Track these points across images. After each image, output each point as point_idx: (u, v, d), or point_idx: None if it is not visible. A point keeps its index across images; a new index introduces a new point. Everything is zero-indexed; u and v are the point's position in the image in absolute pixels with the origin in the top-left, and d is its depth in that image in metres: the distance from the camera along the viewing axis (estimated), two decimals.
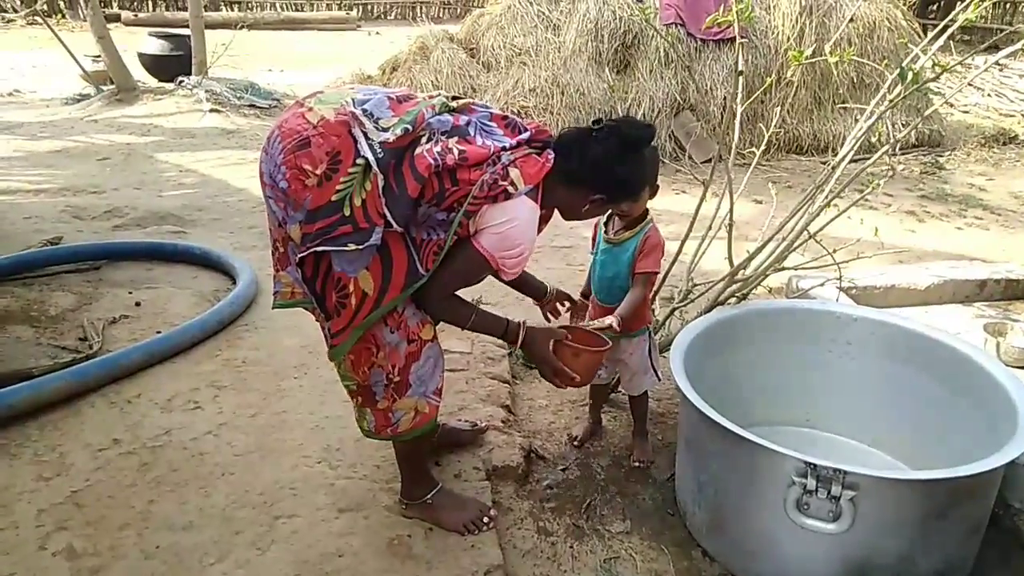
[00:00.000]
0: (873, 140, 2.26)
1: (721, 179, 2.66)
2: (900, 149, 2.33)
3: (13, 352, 2.72)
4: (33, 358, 2.68)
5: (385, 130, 1.62)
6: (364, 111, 1.63)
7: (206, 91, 7.82)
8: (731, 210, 2.52)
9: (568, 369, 1.90)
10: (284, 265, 1.80)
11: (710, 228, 2.67)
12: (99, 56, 8.04)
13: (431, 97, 1.73)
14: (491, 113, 1.77)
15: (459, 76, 6.50)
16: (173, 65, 8.44)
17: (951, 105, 7.86)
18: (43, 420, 2.35)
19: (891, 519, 1.73)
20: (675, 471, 2.30)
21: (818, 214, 2.39)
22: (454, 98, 1.76)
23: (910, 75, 1.89)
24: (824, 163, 6.29)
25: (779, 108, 3.45)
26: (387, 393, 1.83)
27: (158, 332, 2.90)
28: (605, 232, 2.24)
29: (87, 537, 1.90)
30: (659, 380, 2.39)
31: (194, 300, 3.28)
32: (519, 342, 1.89)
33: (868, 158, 2.56)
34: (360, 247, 1.62)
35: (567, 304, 2.31)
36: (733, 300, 2.59)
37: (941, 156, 6.70)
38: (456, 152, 1.63)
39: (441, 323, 1.92)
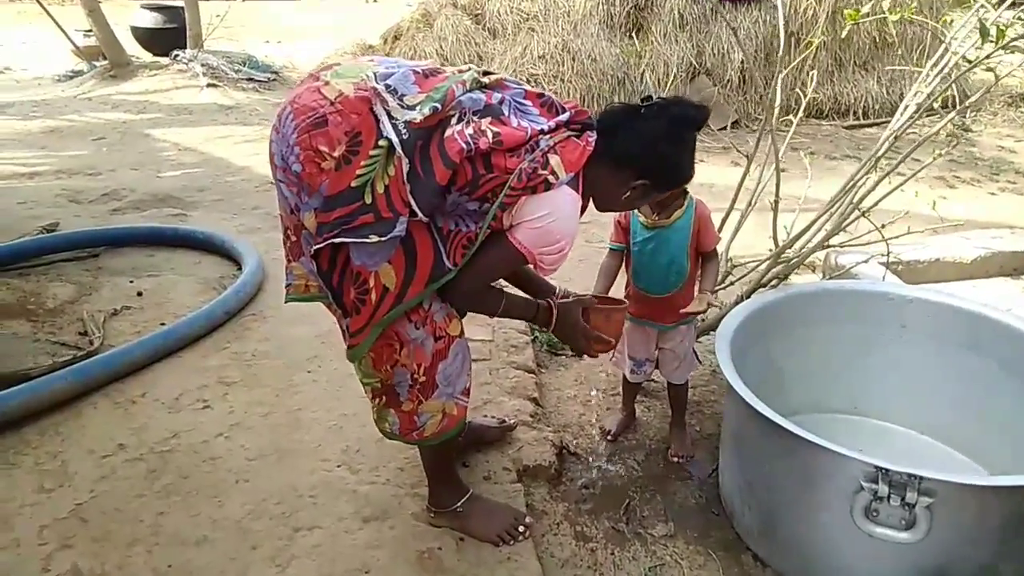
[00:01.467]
0: (936, 105, 2.05)
1: (744, 147, 2.47)
2: (925, 112, 2.13)
3: (9, 350, 2.57)
4: (31, 356, 2.52)
5: (411, 108, 1.43)
6: (387, 86, 1.44)
7: (202, 65, 7.59)
8: (777, 185, 2.34)
9: (603, 335, 1.84)
10: (297, 255, 1.64)
11: (750, 204, 2.48)
12: (90, 30, 7.78)
13: (460, 71, 1.54)
14: (525, 90, 1.57)
15: (464, 44, 6.27)
16: (168, 38, 8.19)
17: (968, 62, 7.60)
18: (43, 424, 2.21)
19: (973, 527, 1.58)
20: (718, 466, 2.16)
21: (874, 187, 2.20)
22: (485, 73, 1.56)
23: (993, 31, 1.68)
24: (846, 128, 6.09)
25: (813, 71, 3.22)
26: (412, 394, 1.68)
27: (162, 324, 2.74)
28: (643, 219, 2.06)
29: (93, 555, 1.76)
30: (700, 364, 2.33)
31: (199, 288, 3.12)
32: (553, 320, 1.78)
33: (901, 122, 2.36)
34: (383, 239, 1.45)
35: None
36: (775, 282, 2.42)
37: (966, 117, 6.47)
38: (490, 134, 1.45)
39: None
